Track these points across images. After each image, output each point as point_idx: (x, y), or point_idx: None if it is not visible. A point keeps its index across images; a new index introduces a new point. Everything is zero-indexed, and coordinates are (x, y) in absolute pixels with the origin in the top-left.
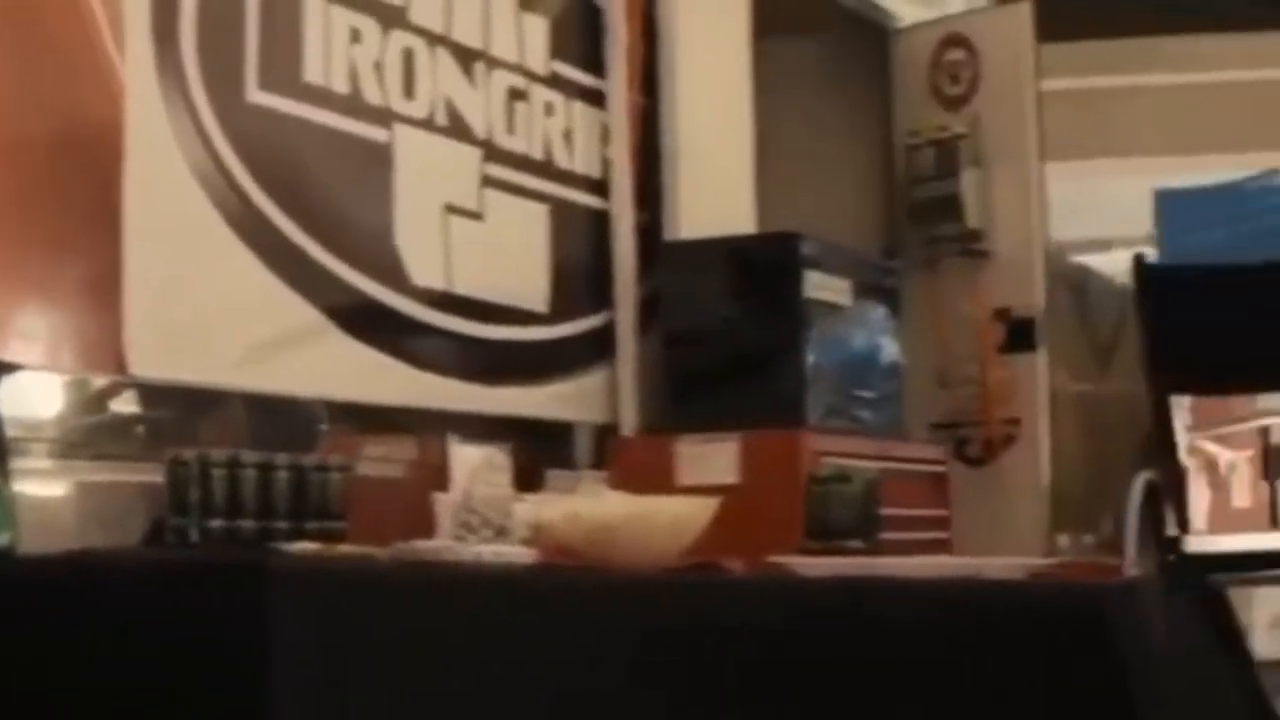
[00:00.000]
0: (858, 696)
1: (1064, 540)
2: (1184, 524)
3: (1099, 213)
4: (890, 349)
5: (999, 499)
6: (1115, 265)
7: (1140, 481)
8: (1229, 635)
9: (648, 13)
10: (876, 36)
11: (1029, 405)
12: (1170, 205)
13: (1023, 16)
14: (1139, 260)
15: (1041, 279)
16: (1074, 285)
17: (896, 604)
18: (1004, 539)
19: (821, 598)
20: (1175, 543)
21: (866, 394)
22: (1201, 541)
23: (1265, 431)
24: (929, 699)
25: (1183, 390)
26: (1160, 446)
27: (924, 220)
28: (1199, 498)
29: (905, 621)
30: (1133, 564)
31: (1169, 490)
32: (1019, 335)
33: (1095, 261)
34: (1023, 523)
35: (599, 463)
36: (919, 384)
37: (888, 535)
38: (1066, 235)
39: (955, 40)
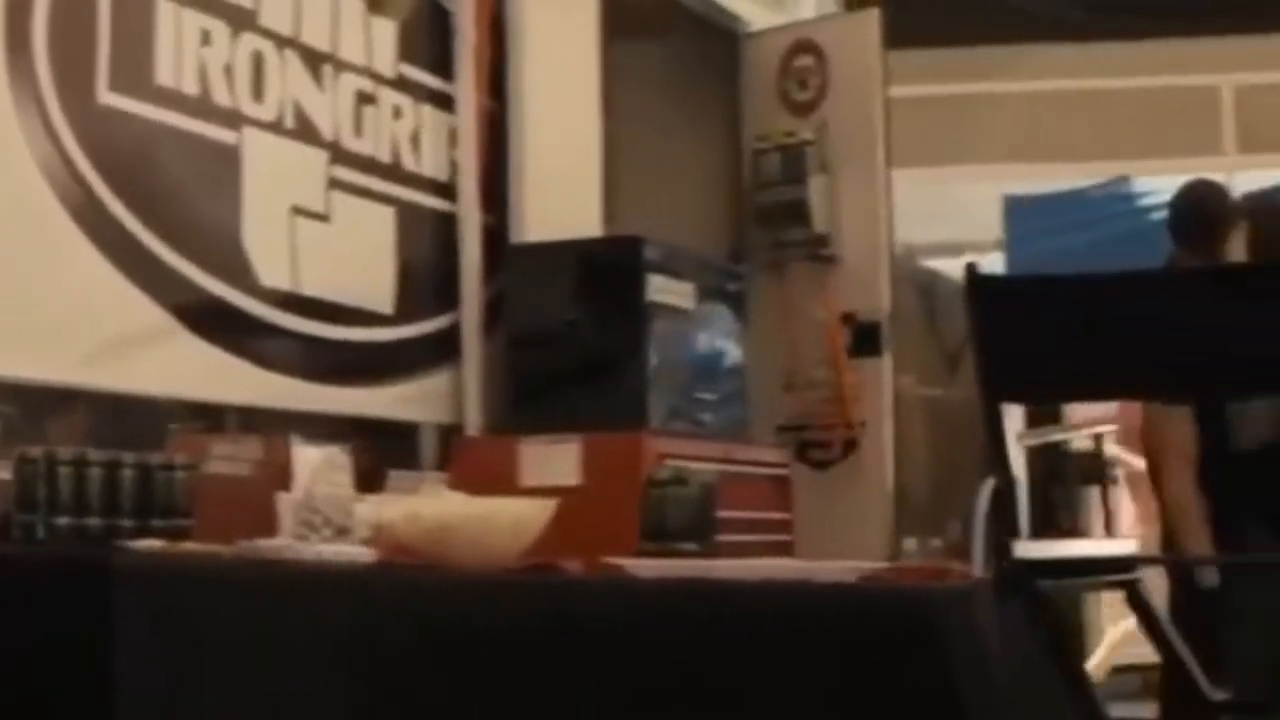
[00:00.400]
0: (691, 697)
1: (911, 544)
2: (1013, 530)
3: (951, 218)
4: (734, 352)
5: (844, 502)
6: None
7: (988, 487)
8: (1058, 640)
9: (496, 16)
10: (727, 41)
11: (874, 409)
12: (1019, 211)
13: (871, 23)
14: (970, 269)
15: (887, 284)
16: (923, 290)
17: (729, 606)
18: (848, 542)
19: (655, 599)
20: (1006, 549)
21: (709, 397)
22: (1032, 548)
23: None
24: (761, 700)
25: (1013, 399)
26: (992, 454)
27: (771, 225)
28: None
29: (737, 624)
30: (980, 569)
31: (1000, 497)
32: (864, 339)
33: (946, 267)
34: (867, 526)
35: (444, 463)
36: (766, 387)
37: (727, 537)
38: (918, 240)
39: (804, 46)
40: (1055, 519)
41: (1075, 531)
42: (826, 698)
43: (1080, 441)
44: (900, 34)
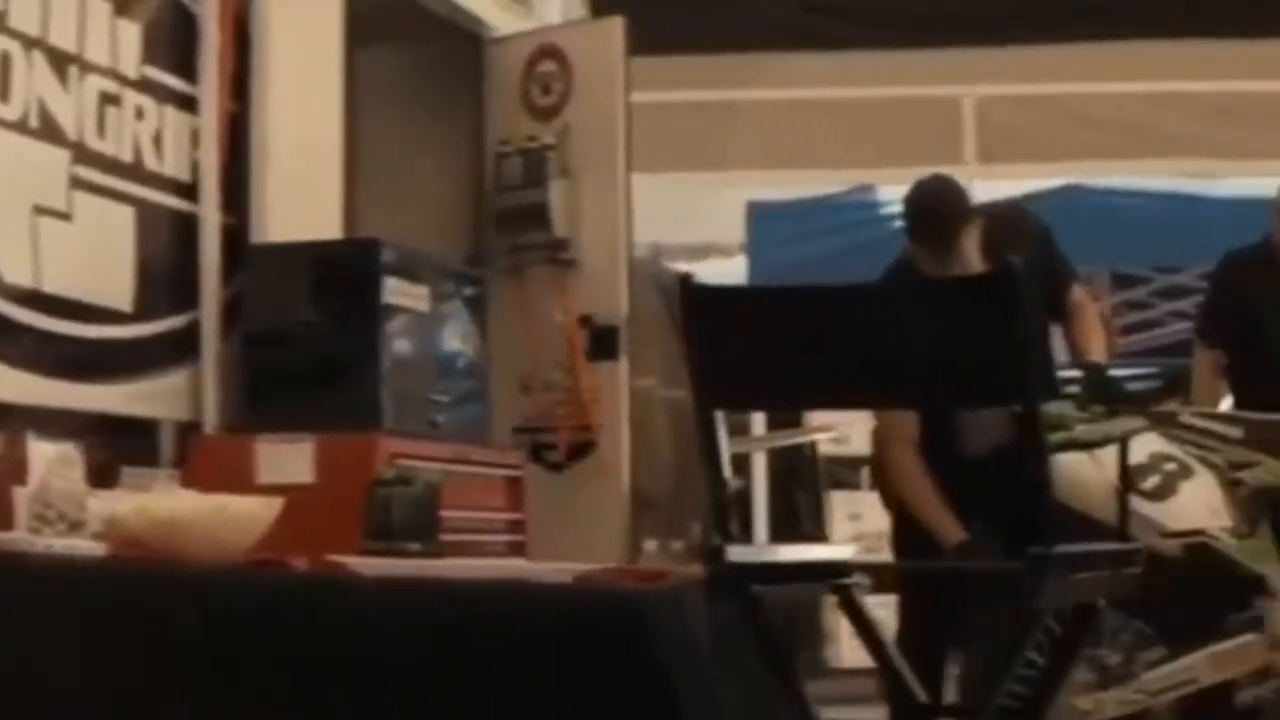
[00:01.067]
0: (407, 691)
1: (652, 546)
2: (727, 533)
3: (699, 221)
4: (471, 354)
5: (581, 504)
6: (712, 272)
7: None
8: (772, 642)
9: (241, 19)
10: (472, 46)
11: (612, 412)
12: (762, 217)
13: (615, 30)
14: (684, 280)
15: (625, 288)
16: (669, 292)
17: (446, 604)
18: (585, 543)
19: (373, 596)
20: (719, 552)
21: (444, 398)
22: (747, 552)
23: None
24: (475, 697)
25: (725, 406)
26: (705, 460)
27: (511, 228)
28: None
29: (453, 621)
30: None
31: (712, 504)
32: (602, 343)
33: (693, 269)
34: (604, 527)
35: (181, 461)
36: (504, 389)
37: (457, 537)
38: (667, 242)
39: (548, 52)
40: (798, 522)
41: (817, 535)
42: (541, 694)
43: (825, 445)
44: (646, 40)
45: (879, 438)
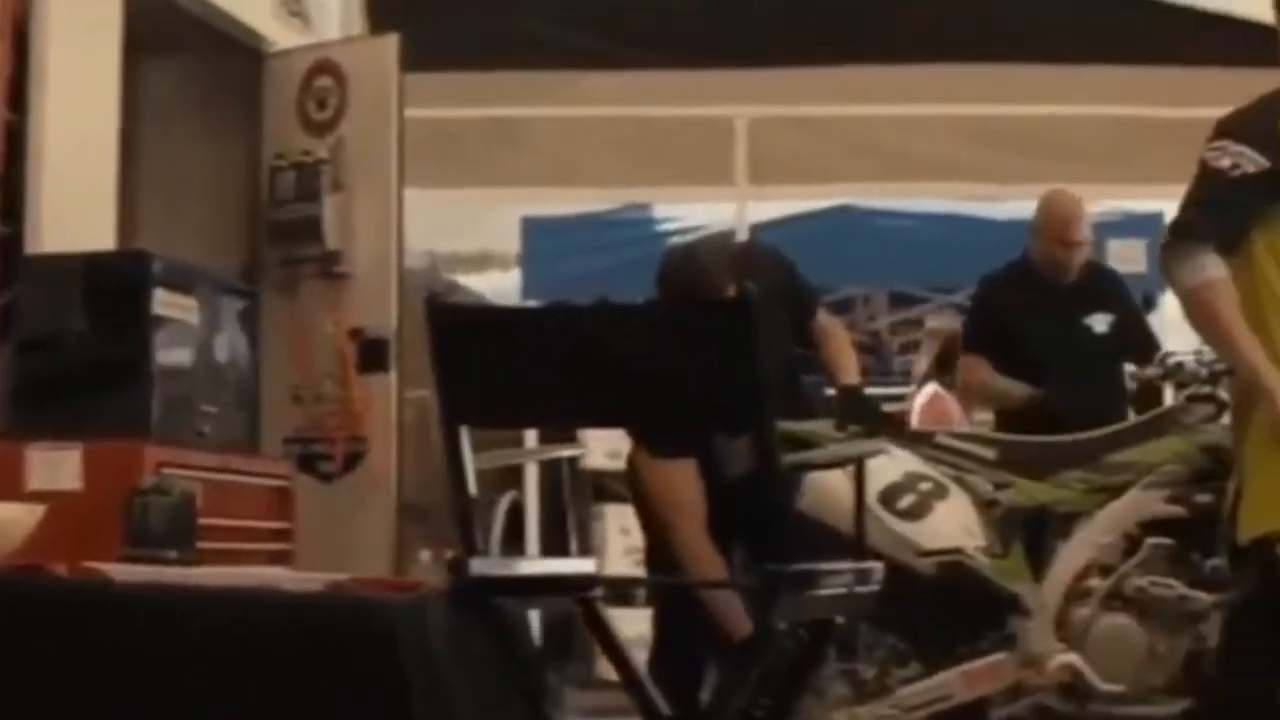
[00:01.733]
0: (154, 694)
1: (426, 556)
2: (471, 546)
3: (478, 233)
4: (240, 365)
5: (351, 514)
6: (490, 284)
7: (505, 501)
8: (516, 653)
9: (19, 28)
10: (252, 61)
11: (382, 424)
12: (536, 232)
13: (389, 47)
14: (430, 299)
15: (395, 301)
16: None
17: (196, 610)
18: (354, 553)
19: (125, 602)
20: (462, 564)
21: (212, 408)
22: (492, 564)
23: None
24: (224, 702)
25: (470, 422)
26: (451, 474)
27: (284, 241)
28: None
29: (203, 626)
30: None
31: (457, 516)
32: (372, 355)
33: (472, 281)
34: (373, 538)
35: None
36: (276, 400)
37: (223, 546)
38: (446, 253)
39: (325, 67)
40: (567, 536)
41: (585, 549)
42: (285, 698)
43: (595, 460)
44: (425, 58)
45: (636, 457)
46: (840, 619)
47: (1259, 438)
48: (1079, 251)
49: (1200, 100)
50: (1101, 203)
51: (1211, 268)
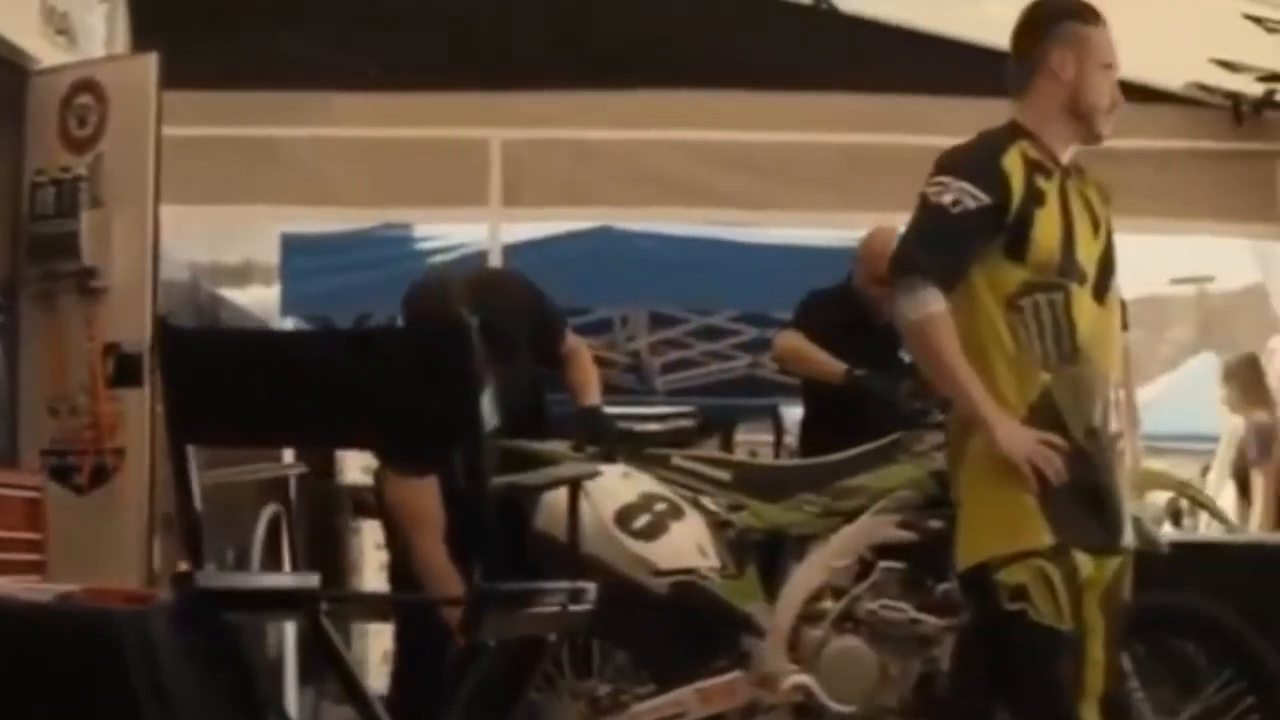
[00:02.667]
0: None
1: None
2: (197, 560)
3: (243, 247)
4: None
5: (104, 526)
6: (253, 298)
7: (266, 514)
8: (240, 664)
9: None
10: (17, 78)
11: (136, 438)
12: (296, 249)
13: (149, 66)
14: (160, 321)
15: (149, 317)
16: (209, 316)
17: None
18: (107, 565)
19: None
20: (188, 578)
21: None
22: (215, 577)
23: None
24: None
25: (195, 440)
26: (178, 491)
27: (43, 256)
28: None
29: None
30: None
31: (183, 532)
32: (126, 370)
33: (234, 294)
34: (125, 550)
35: None
36: (34, 413)
37: None
38: (210, 265)
39: (86, 85)
40: (325, 552)
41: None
42: (13, 706)
43: (352, 475)
44: (186, 76)
45: (381, 473)
46: (553, 636)
47: (975, 467)
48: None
49: (947, 129)
50: (856, 230)
51: (932, 302)
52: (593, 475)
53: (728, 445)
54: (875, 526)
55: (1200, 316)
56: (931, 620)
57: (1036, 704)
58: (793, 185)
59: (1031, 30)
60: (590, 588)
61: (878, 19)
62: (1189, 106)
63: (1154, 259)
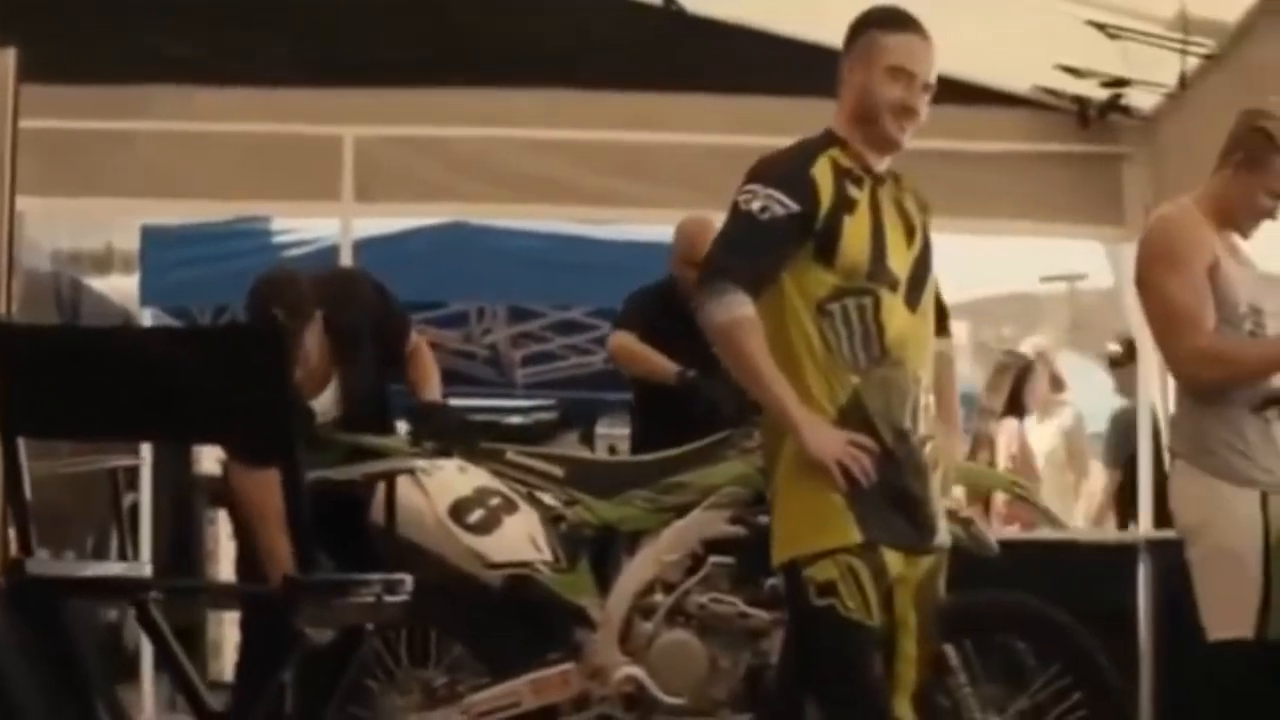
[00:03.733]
0: None
1: (44, 554)
2: (28, 548)
3: (103, 241)
4: None
5: None
6: (111, 286)
7: (125, 503)
8: (71, 650)
9: None
10: None
11: None
12: (155, 240)
13: (7, 60)
14: None
15: (3, 308)
16: (70, 304)
17: None
18: None
19: None
20: (19, 565)
21: None
22: (46, 565)
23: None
24: None
25: (26, 433)
26: (7, 482)
27: None
28: None
29: None
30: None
31: (15, 521)
32: None
33: (97, 283)
34: None
35: None
36: None
37: None
38: (72, 258)
39: None
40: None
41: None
42: None
43: (209, 465)
44: (45, 70)
45: (228, 464)
46: (370, 626)
47: (786, 467)
48: None
49: (795, 129)
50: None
51: (739, 306)
52: (408, 470)
53: (588, 439)
54: (705, 522)
55: (1072, 313)
56: (760, 614)
57: (844, 698)
58: (642, 184)
59: (845, 40)
60: (406, 579)
61: (725, 20)
62: (1036, 110)
63: (1027, 257)
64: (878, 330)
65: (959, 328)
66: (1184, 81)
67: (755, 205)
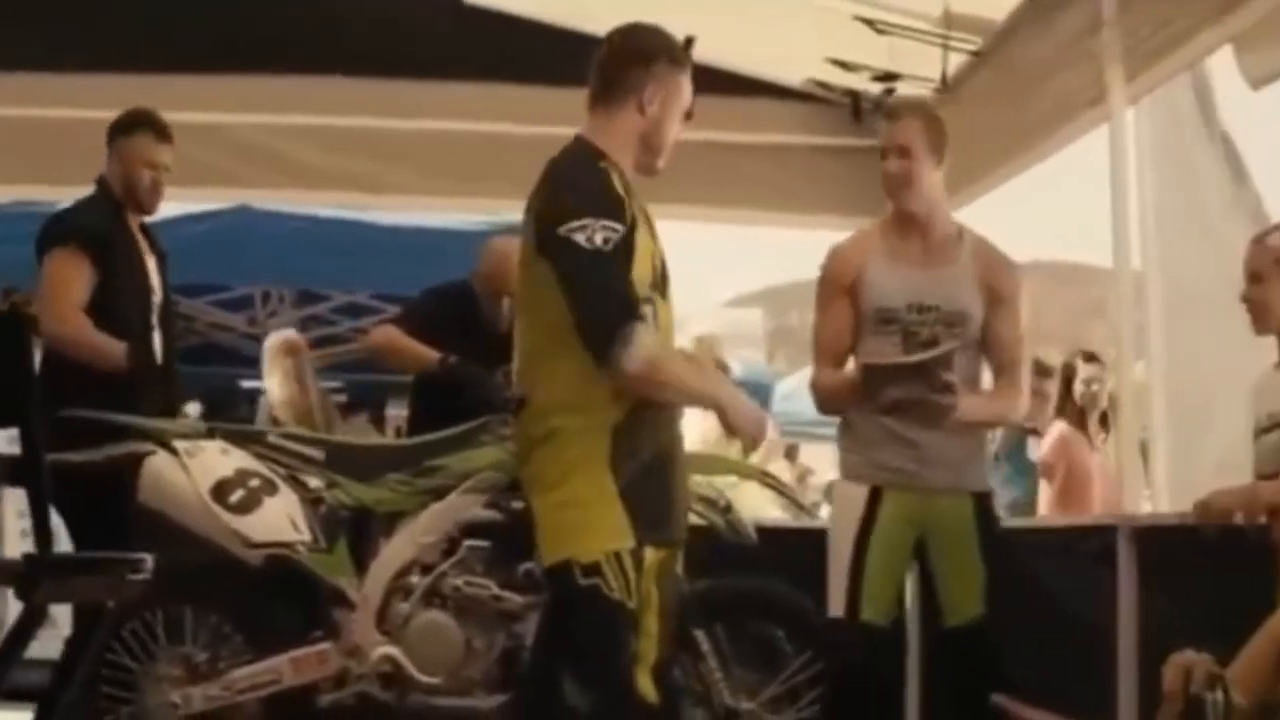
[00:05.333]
0: None
1: None
2: None
3: None
4: None
5: None
6: None
7: None
8: None
9: None
10: None
11: None
12: None
13: None
14: None
15: None
16: None
17: None
18: None
19: None
20: None
21: None
22: None
23: None
24: None
25: None
26: None
27: None
28: None
29: None
30: None
31: None
32: None
33: None
34: None
35: None
36: None
37: None
38: None
39: None
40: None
41: None
42: None
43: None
44: None
45: None
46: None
47: (560, 470)
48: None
49: (563, 119)
50: (476, 215)
51: (647, 347)
52: (147, 454)
53: (379, 421)
54: (461, 506)
55: None
56: (514, 597)
57: (598, 676)
58: (417, 171)
59: (629, 57)
60: (147, 558)
61: (501, 10)
62: (809, 103)
63: (818, 245)
64: (659, 334)
65: (752, 315)
66: (945, 78)
67: (598, 239)
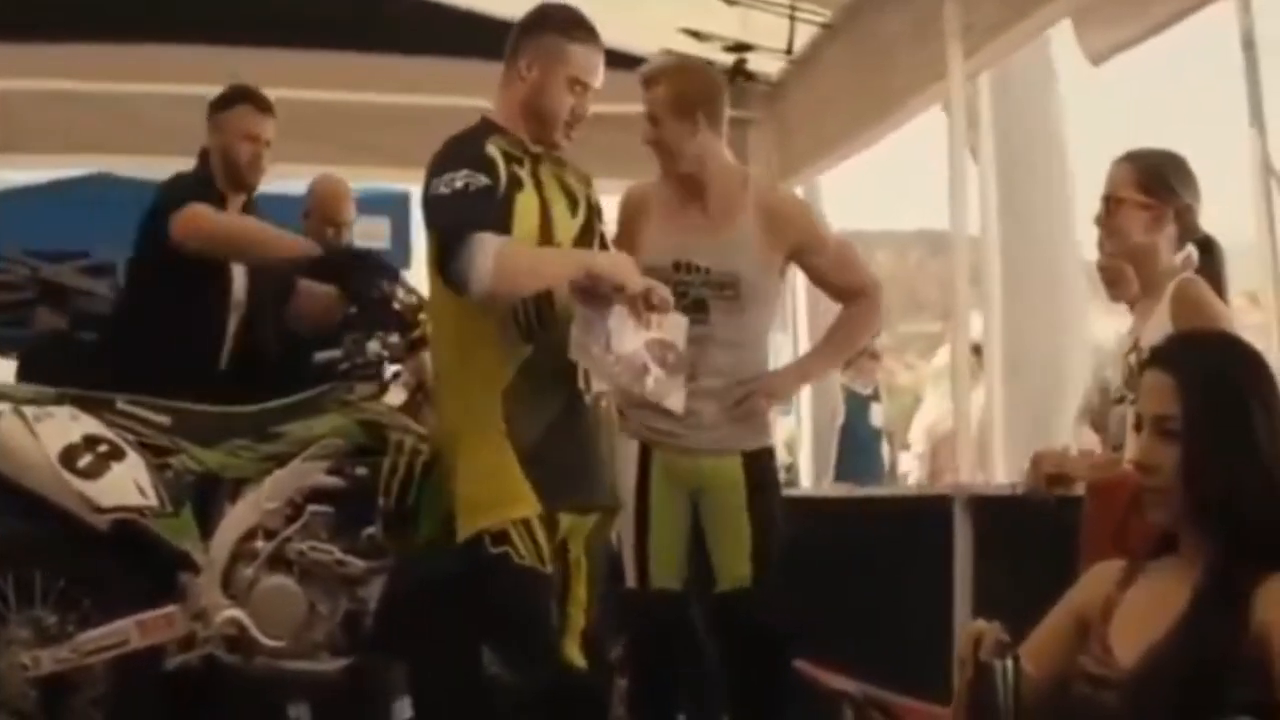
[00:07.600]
0: None
1: None
2: None
3: None
4: None
5: None
6: None
7: None
8: None
9: None
10: None
11: None
12: None
13: None
14: None
15: None
16: None
17: None
18: None
19: None
20: None
21: None
22: None
23: None
24: None
25: None
26: None
27: None
28: None
29: None
30: None
31: None
32: None
33: None
34: None
35: None
36: None
37: None
38: None
39: None
40: None
41: None
42: None
43: None
44: None
45: None
46: None
47: (468, 440)
48: (345, 231)
49: (439, 89)
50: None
51: (489, 243)
52: None
53: None
54: (304, 472)
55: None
56: (356, 562)
57: (519, 640)
58: (298, 141)
59: (518, 30)
60: None
61: None
62: None
63: None
64: (547, 298)
65: None
66: (790, 49)
67: (458, 184)
